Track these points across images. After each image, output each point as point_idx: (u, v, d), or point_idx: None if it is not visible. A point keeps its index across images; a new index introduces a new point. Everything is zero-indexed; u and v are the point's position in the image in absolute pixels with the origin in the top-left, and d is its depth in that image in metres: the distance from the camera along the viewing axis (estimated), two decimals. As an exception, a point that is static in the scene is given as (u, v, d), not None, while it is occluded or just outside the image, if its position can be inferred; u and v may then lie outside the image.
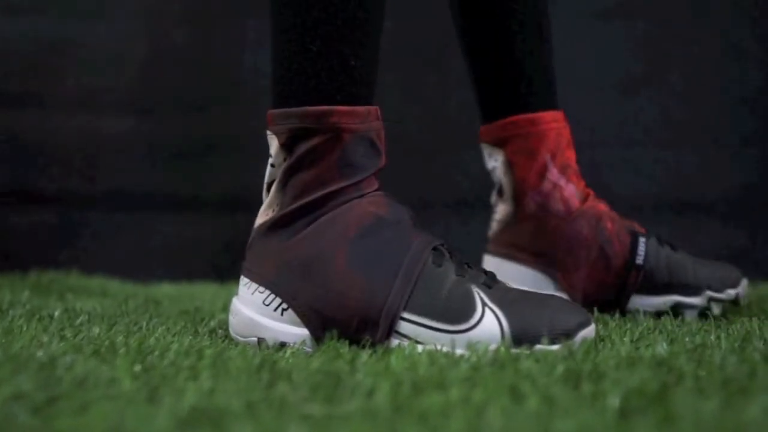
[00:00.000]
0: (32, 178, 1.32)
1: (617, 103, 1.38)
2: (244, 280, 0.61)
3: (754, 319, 0.68)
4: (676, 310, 0.76)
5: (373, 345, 0.56)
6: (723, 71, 1.37)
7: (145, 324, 0.68)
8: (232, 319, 0.61)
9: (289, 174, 0.59)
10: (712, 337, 0.59)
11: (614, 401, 0.38)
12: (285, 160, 0.59)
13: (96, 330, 0.63)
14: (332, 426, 0.35)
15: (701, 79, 1.37)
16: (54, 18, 1.33)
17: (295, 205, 0.58)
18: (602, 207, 0.81)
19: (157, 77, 1.35)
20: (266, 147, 0.61)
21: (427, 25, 1.13)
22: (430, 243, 0.59)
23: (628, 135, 1.37)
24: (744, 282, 0.79)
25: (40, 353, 0.50)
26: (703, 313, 0.77)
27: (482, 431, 0.34)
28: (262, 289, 0.59)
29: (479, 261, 0.87)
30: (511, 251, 0.82)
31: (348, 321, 0.57)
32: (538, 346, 0.54)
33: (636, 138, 1.37)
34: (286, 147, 0.59)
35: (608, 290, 0.77)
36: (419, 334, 0.56)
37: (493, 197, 0.85)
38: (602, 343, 0.57)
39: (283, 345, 0.58)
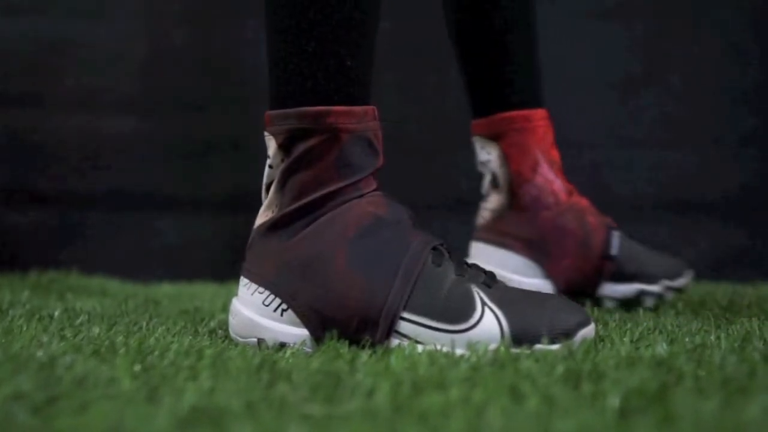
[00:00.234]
0: (32, 178, 1.32)
1: (617, 103, 1.38)
2: (243, 280, 0.61)
3: (754, 319, 0.68)
4: (638, 297, 0.84)
5: (372, 345, 0.56)
6: (723, 71, 1.37)
7: (144, 324, 0.68)
8: (232, 320, 0.61)
9: (287, 175, 0.59)
10: (712, 337, 0.59)
11: (614, 401, 0.38)
12: (283, 160, 0.59)
13: (96, 330, 0.63)
14: (332, 426, 0.35)
15: (701, 79, 1.37)
16: (54, 18, 1.33)
17: (294, 206, 0.58)
18: (584, 202, 0.88)
19: (157, 77, 1.35)
20: (266, 147, 0.61)
21: (426, 25, 1.13)
22: (430, 243, 0.59)
23: (628, 135, 1.37)
24: (689, 272, 0.88)
25: (40, 353, 0.50)
26: (701, 313, 0.77)
27: (482, 431, 0.34)
28: (261, 289, 0.59)
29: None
30: (505, 239, 0.87)
31: (348, 321, 0.57)
32: (538, 346, 0.54)
33: (636, 138, 1.37)
34: (284, 148, 0.59)
35: (585, 278, 0.85)
36: (419, 334, 0.56)
37: (486, 187, 0.89)
38: (602, 343, 0.57)
39: (282, 345, 0.58)
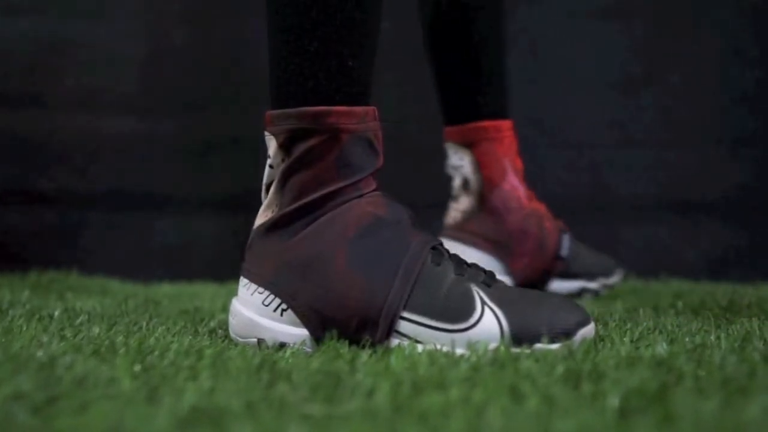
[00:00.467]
0: (32, 178, 1.32)
1: (617, 103, 1.38)
2: (243, 280, 0.61)
3: (754, 319, 0.68)
4: (580, 293, 0.96)
5: (372, 345, 0.56)
6: (723, 71, 1.37)
7: (144, 324, 0.68)
8: (232, 320, 0.61)
9: (287, 174, 0.59)
10: (712, 337, 0.59)
11: (614, 401, 0.38)
12: (283, 160, 0.59)
13: (96, 330, 0.63)
14: (332, 426, 0.35)
15: (701, 79, 1.37)
16: (54, 18, 1.33)
17: (294, 206, 0.58)
18: (542, 208, 0.97)
19: (157, 77, 1.35)
20: (266, 147, 0.61)
21: (427, 25, 1.13)
22: (429, 242, 0.59)
23: (628, 135, 1.37)
24: (621, 271, 0.99)
25: (39, 353, 0.50)
26: (700, 313, 0.77)
27: (482, 431, 0.34)
28: (261, 289, 0.59)
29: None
30: (474, 239, 0.96)
31: (348, 321, 0.57)
32: (538, 346, 0.54)
33: (636, 138, 1.37)
34: (285, 148, 0.59)
35: (539, 275, 0.95)
36: (419, 334, 0.56)
37: (456, 189, 0.98)
38: (602, 342, 0.57)
39: (282, 345, 0.58)
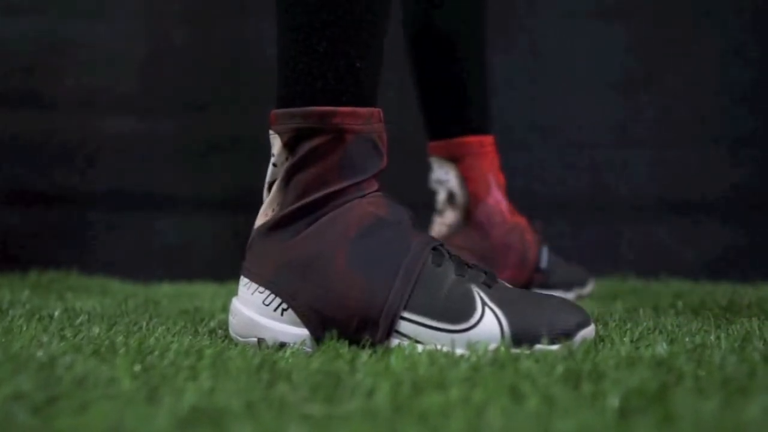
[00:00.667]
0: (32, 178, 1.32)
1: (617, 103, 1.38)
2: (243, 280, 0.61)
3: (754, 319, 0.68)
4: None
5: (373, 345, 0.56)
6: (723, 71, 1.37)
7: (144, 324, 0.68)
8: (232, 320, 0.61)
9: (291, 173, 0.59)
10: (712, 337, 0.59)
11: (614, 401, 0.38)
12: (287, 159, 0.59)
13: (96, 330, 0.63)
14: (332, 426, 0.35)
15: (701, 79, 1.37)
16: (54, 18, 1.33)
17: (296, 205, 0.58)
18: (523, 221, 0.99)
19: (157, 77, 1.35)
20: (266, 147, 0.61)
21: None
22: (430, 243, 0.59)
23: (628, 135, 1.37)
24: (592, 281, 1.02)
25: (39, 353, 0.50)
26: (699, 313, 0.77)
27: (482, 431, 0.34)
28: (261, 289, 0.59)
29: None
30: (460, 252, 0.99)
31: (348, 321, 0.57)
32: (538, 346, 0.54)
33: (636, 138, 1.37)
34: (289, 146, 0.59)
35: (520, 287, 0.94)
36: (419, 334, 0.56)
37: (441, 203, 0.99)
38: (602, 343, 0.57)
39: (282, 345, 0.58)
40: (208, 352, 0.52)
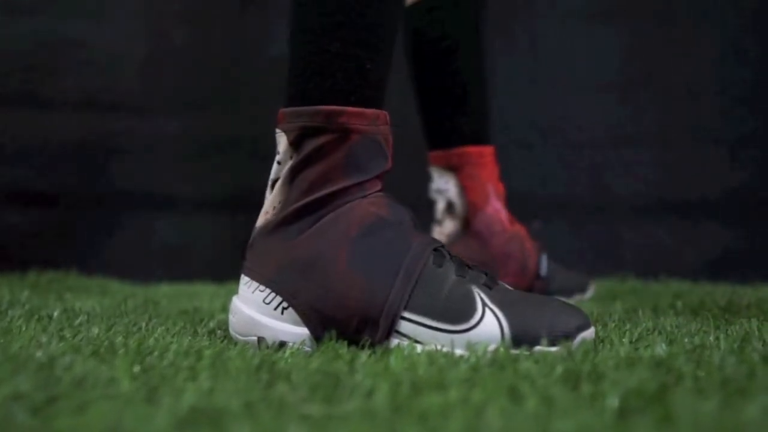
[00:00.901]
0: (32, 178, 1.32)
1: (617, 103, 1.38)
2: (244, 278, 0.61)
3: (753, 319, 0.68)
4: None
5: (372, 345, 0.56)
6: (722, 71, 1.37)
7: (144, 324, 0.68)
8: (232, 318, 0.61)
9: (295, 171, 0.59)
10: (711, 338, 0.59)
11: (613, 402, 0.38)
12: (292, 157, 0.60)
13: (95, 330, 0.63)
14: (331, 426, 0.35)
15: (701, 79, 1.37)
16: (54, 18, 1.33)
17: (299, 204, 0.59)
18: (523, 230, 0.99)
19: (157, 77, 1.35)
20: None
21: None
22: (431, 244, 0.59)
23: (628, 135, 1.37)
24: (593, 285, 1.03)
25: (39, 353, 0.50)
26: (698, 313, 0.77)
27: (481, 431, 0.34)
28: (262, 287, 0.59)
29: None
30: None
31: (348, 320, 0.57)
32: (538, 348, 0.54)
33: (636, 138, 1.37)
34: (295, 145, 0.59)
35: None
36: (419, 334, 0.56)
37: (440, 213, 0.99)
38: (601, 343, 0.57)
39: (282, 344, 0.58)
40: (207, 352, 0.52)
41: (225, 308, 0.84)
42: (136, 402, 0.39)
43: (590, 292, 1.01)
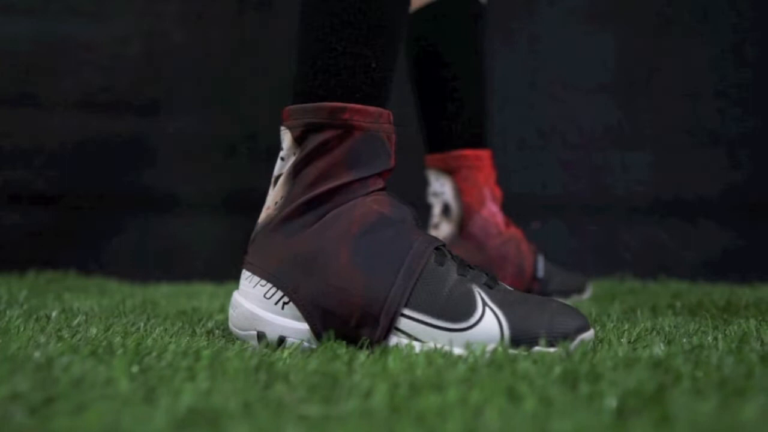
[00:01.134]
0: (31, 178, 1.32)
1: (616, 104, 1.38)
2: (245, 273, 0.61)
3: (752, 320, 0.68)
4: None
5: (371, 343, 0.56)
6: (721, 72, 1.37)
7: (142, 324, 0.68)
8: (232, 312, 0.61)
9: (299, 167, 0.60)
10: (710, 338, 0.59)
11: (611, 402, 0.38)
12: (295, 153, 0.60)
13: (93, 330, 0.63)
14: (329, 427, 0.35)
15: (700, 79, 1.37)
16: (54, 18, 1.33)
17: (301, 200, 0.59)
18: (519, 233, 1.00)
19: (157, 77, 1.35)
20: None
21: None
22: (433, 242, 0.59)
23: (627, 136, 1.38)
24: (590, 286, 1.04)
25: (37, 354, 0.50)
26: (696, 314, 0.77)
27: (479, 432, 0.34)
28: (263, 282, 0.59)
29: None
30: None
31: (348, 316, 0.57)
32: (536, 348, 0.54)
33: (634, 139, 1.37)
34: (299, 141, 0.60)
35: None
36: (419, 332, 0.56)
37: (436, 217, 1.00)
38: (599, 344, 0.57)
39: (282, 339, 0.58)
40: (205, 353, 0.52)
41: (223, 308, 0.84)
42: (134, 402, 0.39)
43: (588, 293, 1.02)
